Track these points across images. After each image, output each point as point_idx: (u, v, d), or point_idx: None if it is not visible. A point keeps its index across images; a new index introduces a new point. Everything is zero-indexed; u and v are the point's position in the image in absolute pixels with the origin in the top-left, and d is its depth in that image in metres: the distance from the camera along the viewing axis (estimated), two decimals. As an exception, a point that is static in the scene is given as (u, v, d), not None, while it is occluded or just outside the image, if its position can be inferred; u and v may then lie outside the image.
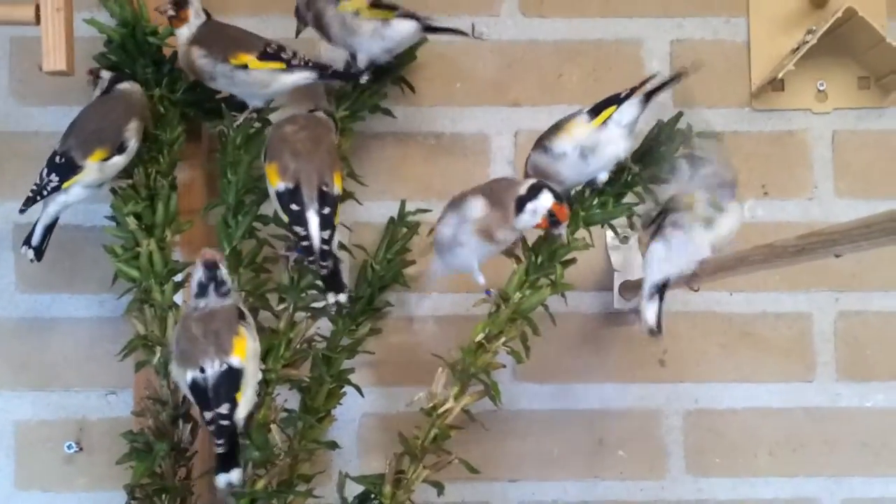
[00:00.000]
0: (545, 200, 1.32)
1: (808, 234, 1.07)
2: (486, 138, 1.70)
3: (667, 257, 1.35)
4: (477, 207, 1.35)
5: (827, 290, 1.69)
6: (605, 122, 1.37)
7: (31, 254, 1.47)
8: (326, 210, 1.35)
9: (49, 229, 1.47)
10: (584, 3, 1.71)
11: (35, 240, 1.46)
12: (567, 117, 1.42)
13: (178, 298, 1.49)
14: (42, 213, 1.46)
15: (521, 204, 1.33)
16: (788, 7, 1.69)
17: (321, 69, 1.48)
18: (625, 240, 1.65)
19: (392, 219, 1.62)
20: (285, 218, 1.37)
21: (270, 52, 1.46)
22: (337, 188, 1.38)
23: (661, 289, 1.37)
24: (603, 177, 1.42)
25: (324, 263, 1.34)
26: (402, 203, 1.62)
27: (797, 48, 1.64)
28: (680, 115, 1.44)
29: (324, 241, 1.34)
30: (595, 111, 1.38)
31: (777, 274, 1.67)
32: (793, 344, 1.69)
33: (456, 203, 1.38)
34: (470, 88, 1.70)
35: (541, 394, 1.68)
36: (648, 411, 1.68)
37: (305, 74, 1.47)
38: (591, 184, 1.42)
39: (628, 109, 1.37)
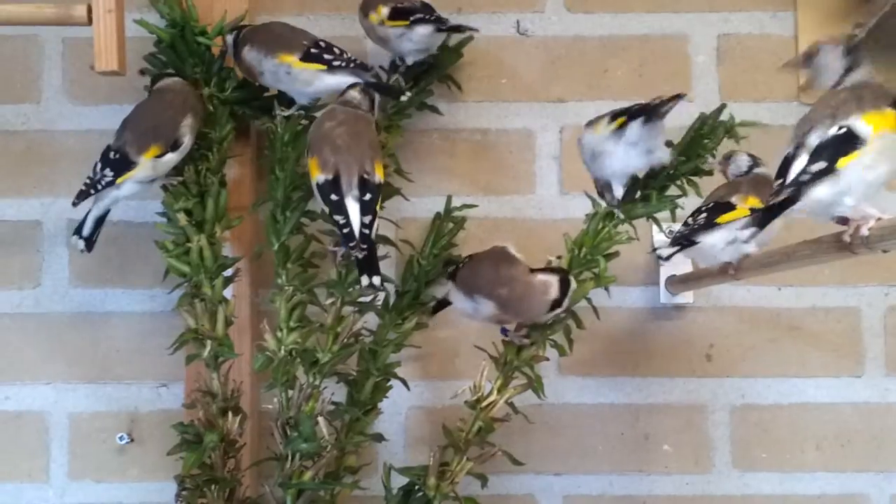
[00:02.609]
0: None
1: (856, 230, 1.07)
2: (531, 134, 1.70)
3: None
4: (487, 309, 1.39)
5: (876, 285, 1.68)
6: (613, 132, 1.35)
7: (81, 244, 1.50)
8: (367, 196, 1.37)
9: (100, 221, 1.50)
10: (630, -2, 1.71)
11: (86, 231, 1.49)
12: (610, 112, 1.39)
13: (227, 293, 1.52)
14: (94, 206, 1.49)
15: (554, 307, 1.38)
16: (836, 1, 1.68)
17: (364, 71, 1.50)
18: (671, 234, 1.65)
19: (438, 214, 1.63)
20: (326, 209, 1.39)
21: (314, 53, 1.50)
22: (378, 176, 1.40)
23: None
24: (619, 191, 1.40)
25: (363, 246, 1.36)
26: (449, 198, 1.63)
27: (845, 42, 1.62)
28: (723, 107, 1.43)
29: (364, 226, 1.36)
30: (615, 116, 1.36)
31: (826, 268, 1.65)
32: (841, 339, 1.68)
33: (469, 289, 1.41)
34: (515, 85, 1.71)
35: (587, 388, 1.68)
36: (694, 406, 1.67)
37: (347, 77, 1.50)
38: (610, 200, 1.42)
39: (633, 128, 1.34)
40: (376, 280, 1.37)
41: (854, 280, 1.67)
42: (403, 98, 1.54)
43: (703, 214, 1.36)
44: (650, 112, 1.33)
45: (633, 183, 1.41)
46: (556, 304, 1.38)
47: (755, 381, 1.67)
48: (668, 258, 1.36)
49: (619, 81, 1.70)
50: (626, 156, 1.36)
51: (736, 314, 1.68)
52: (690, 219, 1.39)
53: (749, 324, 1.68)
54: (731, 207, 1.35)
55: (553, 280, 1.38)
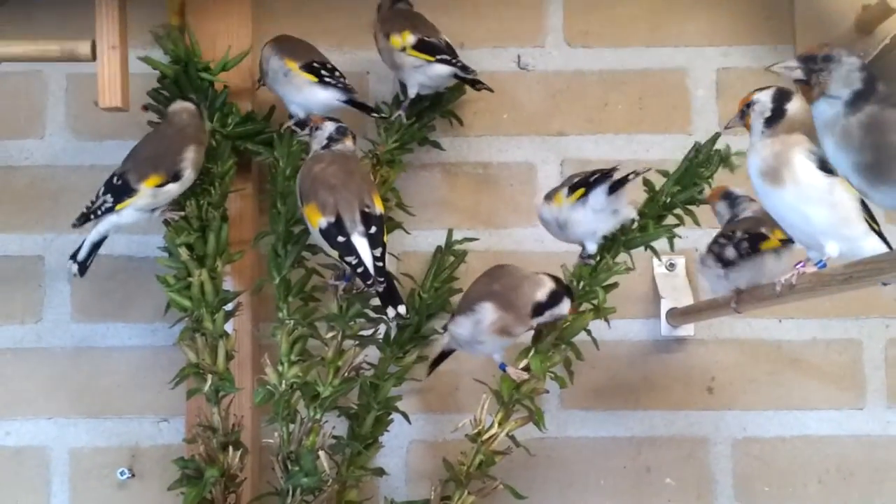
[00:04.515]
0: (563, 309, 1.38)
1: (856, 263, 1.07)
2: (532, 168, 1.71)
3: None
4: (488, 313, 1.38)
5: (877, 317, 1.68)
6: (576, 202, 1.39)
7: (75, 268, 1.50)
8: (373, 229, 1.38)
9: (96, 247, 1.50)
10: (630, 33, 1.72)
11: (81, 255, 1.50)
12: (562, 183, 1.44)
13: (228, 327, 1.52)
14: (92, 231, 1.49)
15: (539, 309, 1.38)
16: (835, 34, 1.69)
17: (348, 91, 1.54)
18: (671, 267, 1.66)
19: (439, 248, 1.63)
20: (334, 253, 1.38)
21: (313, 67, 1.55)
22: (378, 208, 1.40)
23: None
24: (591, 248, 1.43)
25: (380, 280, 1.36)
26: (450, 232, 1.64)
27: (844, 75, 1.63)
28: (717, 136, 1.44)
29: (376, 259, 1.36)
30: (574, 188, 1.40)
31: (827, 301, 1.66)
32: (843, 371, 1.68)
33: (466, 306, 1.41)
34: (516, 119, 1.72)
35: (588, 421, 1.68)
36: (696, 439, 1.67)
37: (334, 92, 1.54)
38: (583, 254, 1.44)
39: (597, 197, 1.38)
40: (402, 309, 1.37)
41: (855, 312, 1.68)
42: (372, 114, 1.57)
43: (745, 241, 1.35)
44: (614, 183, 1.37)
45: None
46: (538, 308, 1.37)
47: (757, 414, 1.67)
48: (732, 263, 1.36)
49: (620, 115, 1.71)
50: (594, 220, 1.40)
51: (737, 347, 1.68)
52: (723, 239, 1.37)
53: (750, 356, 1.68)
54: (766, 237, 1.34)
55: (547, 282, 1.38)
